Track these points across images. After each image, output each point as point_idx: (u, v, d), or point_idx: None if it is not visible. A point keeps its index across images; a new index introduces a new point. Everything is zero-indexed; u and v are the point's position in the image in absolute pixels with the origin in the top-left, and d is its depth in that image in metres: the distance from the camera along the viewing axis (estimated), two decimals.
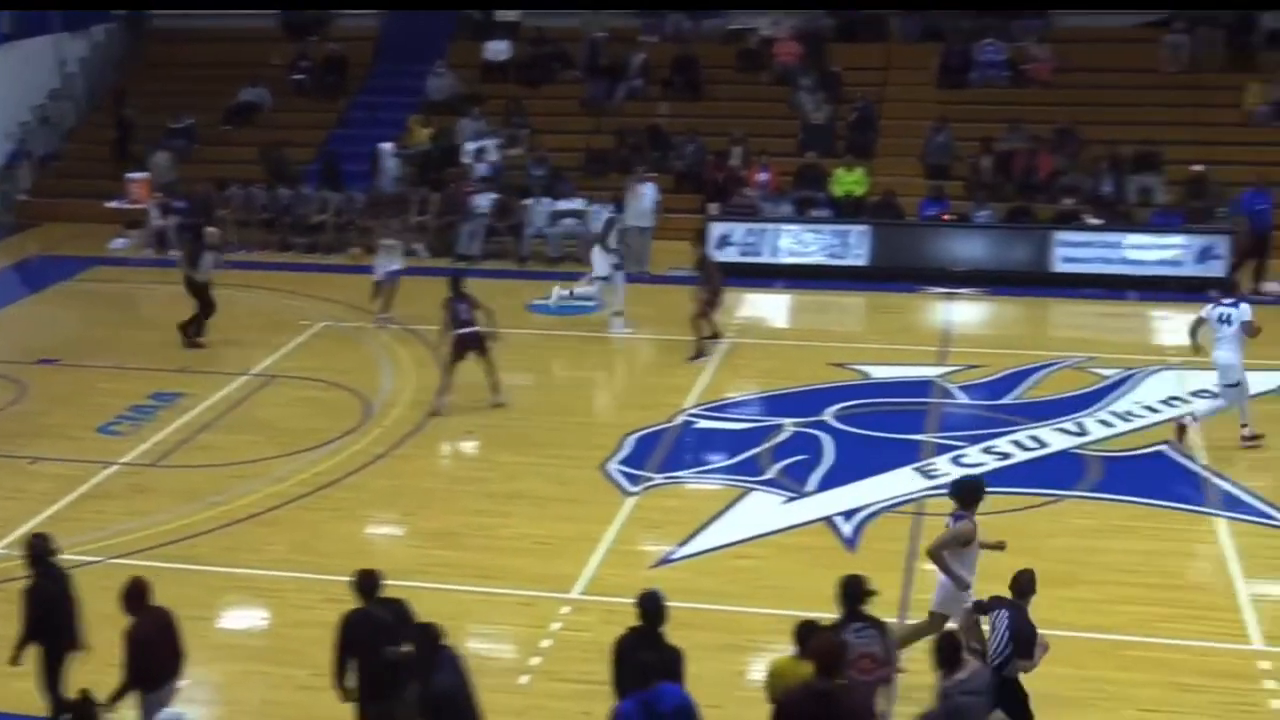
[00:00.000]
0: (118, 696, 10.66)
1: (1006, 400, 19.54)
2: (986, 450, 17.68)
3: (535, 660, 12.95)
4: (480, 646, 13.47)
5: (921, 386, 20.09)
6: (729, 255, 26.09)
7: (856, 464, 17.23)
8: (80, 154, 32.99)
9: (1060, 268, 25.59)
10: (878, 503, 16.17)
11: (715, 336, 21.60)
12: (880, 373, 20.68)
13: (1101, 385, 19.98)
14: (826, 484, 16.75)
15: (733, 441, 18.14)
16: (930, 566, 14.68)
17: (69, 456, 17.80)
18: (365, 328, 22.67)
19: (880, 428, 18.52)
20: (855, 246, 26.21)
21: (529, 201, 27.93)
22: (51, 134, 33.29)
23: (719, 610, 13.71)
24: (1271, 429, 18.32)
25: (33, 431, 18.72)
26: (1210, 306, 18.00)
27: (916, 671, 11.48)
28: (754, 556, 14.98)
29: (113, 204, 29.61)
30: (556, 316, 23.92)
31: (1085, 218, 26.50)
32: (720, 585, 14.31)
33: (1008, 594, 11.01)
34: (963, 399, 19.70)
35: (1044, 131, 28.75)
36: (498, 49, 32.70)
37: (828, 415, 18.87)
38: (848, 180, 28.38)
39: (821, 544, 15.19)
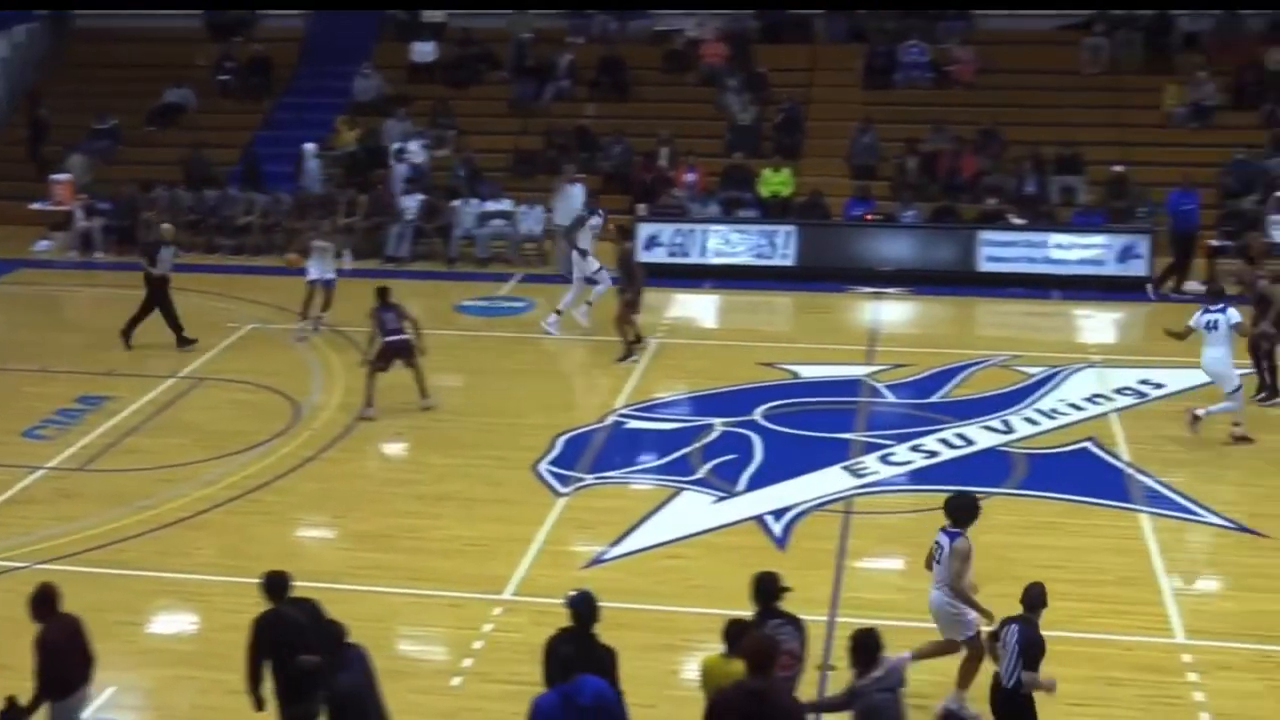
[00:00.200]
0: (34, 706, 10.57)
1: (934, 399, 19.72)
2: (914, 448, 17.83)
3: (467, 662, 12.95)
4: (411, 649, 13.50)
5: (850, 385, 20.24)
6: (657, 256, 26.23)
7: (786, 463, 17.33)
8: None
9: (985, 267, 25.86)
10: (807, 501, 16.27)
11: (638, 340, 21.49)
12: (809, 372, 20.82)
13: (1027, 383, 20.20)
14: (756, 483, 16.83)
15: (663, 441, 18.20)
16: (861, 564, 14.92)
17: None
18: (290, 328, 22.52)
19: (809, 427, 18.64)
20: (782, 247, 26.34)
21: (457, 203, 27.89)
22: None
23: (651, 610, 13.76)
24: (1185, 426, 18.60)
25: None
26: (1199, 314, 18.23)
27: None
28: (685, 556, 15.04)
29: (36, 206, 29.30)
30: (484, 318, 23.91)
31: (1009, 218, 26.79)
32: (652, 585, 14.36)
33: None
34: (890, 398, 19.85)
35: (968, 132, 29.06)
36: (424, 50, 32.63)
37: (757, 415, 18.98)
38: (774, 181, 28.55)
39: (752, 543, 15.27)
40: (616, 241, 21.91)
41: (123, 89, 32.62)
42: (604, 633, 10.21)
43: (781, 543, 15.34)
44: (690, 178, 28.45)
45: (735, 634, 9.94)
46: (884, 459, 17.52)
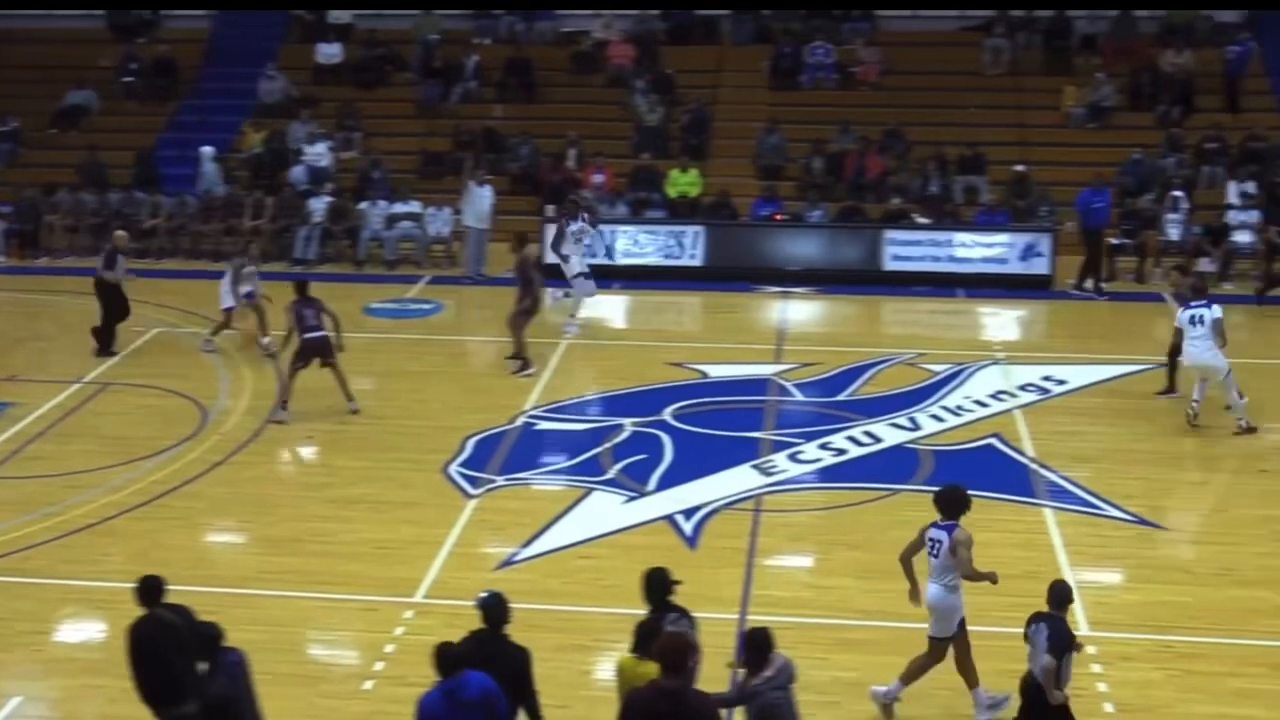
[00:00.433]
0: None
1: (841, 397, 19.91)
2: (823, 446, 17.99)
3: (379, 665, 12.92)
4: (323, 653, 13.47)
5: (758, 385, 20.39)
6: None
7: (696, 462, 17.42)
8: None
9: (890, 266, 26.14)
10: (717, 500, 16.37)
11: (526, 364, 20.87)
12: (718, 371, 20.95)
13: (932, 381, 20.44)
14: (667, 483, 16.90)
15: (573, 442, 18.25)
16: (771, 562, 15.04)
17: None
18: (201, 334, 22.32)
19: (719, 426, 18.76)
20: (690, 247, 26.48)
21: (364, 205, 27.79)
22: None
23: (563, 611, 13.81)
24: (1090, 422, 18.97)
25: None
26: (1181, 311, 18.56)
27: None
28: (596, 556, 15.10)
29: None
30: (393, 320, 23.86)
31: (914, 217, 27.11)
32: (564, 586, 14.41)
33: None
34: (799, 396, 20.02)
35: (873, 133, 29.34)
36: (330, 52, 32.50)
37: (667, 414, 19.07)
38: (682, 181, 28.69)
39: (663, 543, 15.34)
40: (514, 248, 21.48)
41: (24, 91, 32.23)
42: (516, 634, 10.24)
43: (692, 542, 15.43)
44: (598, 179, 28.53)
45: (645, 634, 10.02)
46: (793, 457, 17.67)
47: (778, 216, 27.49)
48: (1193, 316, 18.38)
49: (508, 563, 14.90)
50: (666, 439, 18.24)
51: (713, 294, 25.38)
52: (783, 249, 26.61)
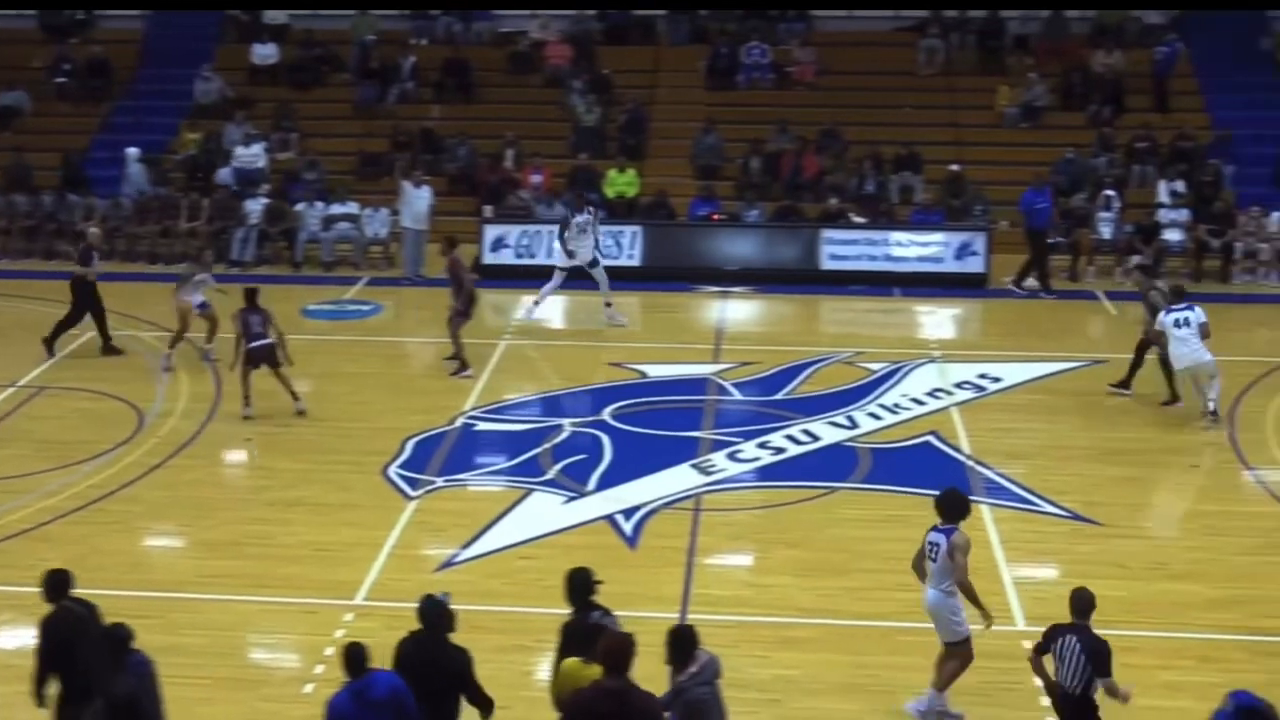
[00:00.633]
0: None
1: (780, 396, 20.02)
2: (762, 445, 18.09)
3: (319, 669, 12.88)
4: (263, 657, 13.45)
5: (697, 384, 20.47)
6: (504, 257, 26.36)
7: (635, 462, 17.48)
8: None
9: (828, 265, 26.29)
10: (657, 500, 16.43)
11: (464, 366, 20.84)
12: (657, 371, 21.02)
13: (870, 379, 20.59)
14: (606, 483, 16.95)
15: (513, 443, 18.26)
16: (711, 561, 15.12)
17: None
18: (137, 335, 22.19)
19: (658, 426, 18.83)
20: (628, 247, 26.55)
21: (301, 206, 27.68)
22: None
23: (504, 611, 13.83)
24: (1026, 419, 19.17)
25: None
26: (1163, 314, 18.74)
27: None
28: (537, 557, 15.11)
29: None
30: (331, 321, 23.80)
31: (850, 216, 27.27)
32: (504, 586, 14.43)
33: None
34: (737, 395, 20.12)
35: (809, 132, 29.49)
36: (265, 52, 32.33)
37: (606, 414, 19.13)
38: (620, 181, 28.74)
39: (603, 542, 15.39)
40: (444, 250, 21.29)
41: None
42: (458, 635, 10.26)
43: (632, 541, 15.49)
44: (536, 179, 28.54)
45: (570, 634, 10.07)
46: (732, 456, 17.77)
47: (715, 216, 27.59)
48: (1177, 320, 18.58)
49: (448, 564, 14.91)
50: (606, 439, 18.29)
51: (651, 294, 25.44)
52: (720, 249, 26.72)
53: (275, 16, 33.21)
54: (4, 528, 15.74)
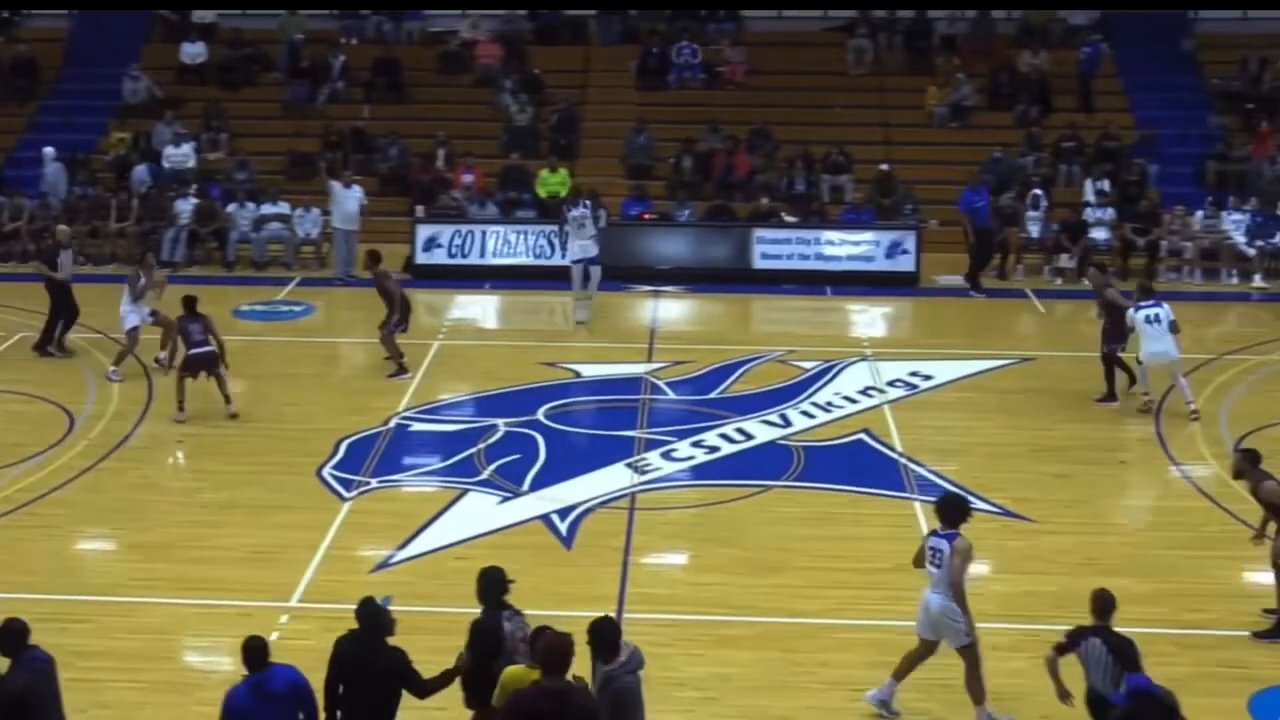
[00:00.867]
0: None
1: (713, 395, 20.10)
2: (696, 444, 18.15)
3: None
4: (198, 659, 13.37)
5: (631, 383, 20.51)
6: (437, 257, 26.28)
7: (570, 462, 17.51)
8: None
9: (760, 264, 26.40)
10: (592, 499, 16.45)
11: (399, 359, 20.74)
12: (590, 371, 21.05)
13: (802, 378, 20.70)
14: (541, 482, 16.95)
15: (447, 443, 18.23)
16: (647, 560, 15.17)
17: None
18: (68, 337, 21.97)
19: (592, 425, 18.88)
20: (561, 247, 26.49)
21: (232, 206, 27.51)
22: None
23: (440, 612, 13.73)
24: (957, 417, 19.35)
25: None
26: (1132, 310, 18.92)
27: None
28: (472, 557, 14.95)
29: None
30: (263, 322, 23.67)
31: (781, 216, 27.40)
32: (440, 587, 14.37)
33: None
34: (671, 394, 20.18)
35: (740, 132, 29.61)
36: (194, 51, 32.08)
37: (540, 414, 19.12)
38: (552, 181, 28.74)
39: (539, 542, 15.41)
40: (367, 266, 20.97)
41: None
42: (394, 636, 10.24)
43: (568, 541, 15.51)
44: (468, 179, 28.49)
45: (479, 632, 10.13)
46: (666, 455, 17.82)
47: (647, 216, 27.65)
48: (1148, 316, 18.81)
49: (383, 565, 14.87)
50: (540, 439, 18.29)
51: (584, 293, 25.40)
52: (653, 248, 26.78)
53: (203, 15, 32.99)
54: None
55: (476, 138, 30.11)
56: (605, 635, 9.84)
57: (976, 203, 25.86)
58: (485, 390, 20.33)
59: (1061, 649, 10.79)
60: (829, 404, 19.66)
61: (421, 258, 26.40)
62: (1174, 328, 18.83)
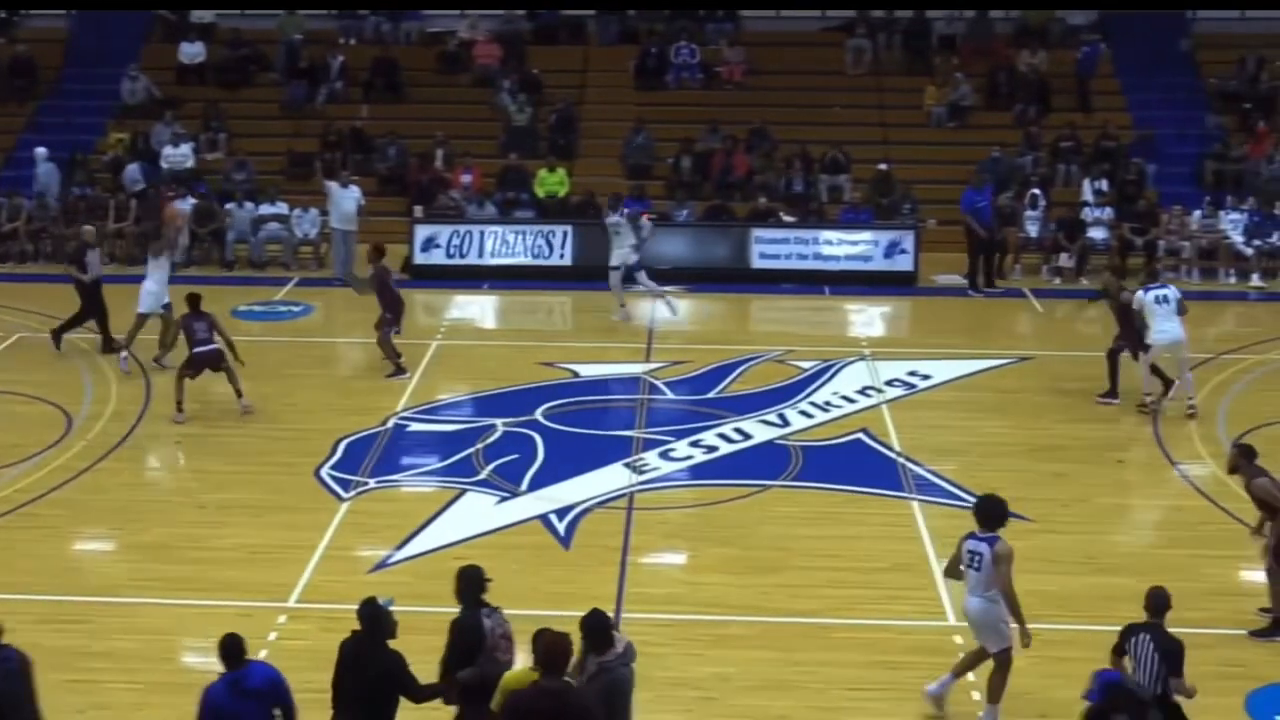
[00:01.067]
0: None
1: (711, 394, 20.10)
2: (694, 444, 18.16)
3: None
4: (196, 660, 13.30)
5: (629, 383, 20.53)
6: (435, 258, 26.30)
7: (568, 462, 17.50)
8: None
9: (758, 264, 26.41)
10: (590, 499, 16.45)
11: (396, 359, 20.75)
12: (589, 371, 21.05)
13: (801, 377, 20.71)
14: (539, 483, 16.95)
15: (445, 443, 18.24)
16: (645, 559, 15.18)
17: None
18: (67, 338, 21.95)
19: (590, 425, 18.87)
20: (559, 247, 26.56)
21: (231, 206, 27.52)
22: None
23: (438, 613, 13.63)
24: (955, 416, 19.36)
25: None
26: (1141, 293, 18.95)
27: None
28: (470, 558, 14.77)
29: None
30: (262, 322, 23.67)
31: (780, 215, 27.41)
32: (438, 588, 14.18)
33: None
34: (669, 394, 20.19)
35: (739, 132, 29.62)
36: (193, 51, 32.09)
37: (538, 414, 19.13)
38: (550, 181, 28.75)
39: (537, 542, 15.42)
40: (371, 259, 21.05)
41: None
42: (396, 638, 10.24)
43: (566, 541, 15.52)
44: (466, 179, 28.49)
45: (460, 630, 10.19)
46: (664, 455, 17.83)
47: (646, 216, 27.61)
48: (1158, 297, 18.82)
49: (381, 565, 14.87)
50: (538, 439, 18.30)
51: (582, 293, 25.45)
52: (651, 248, 26.69)
53: (202, 16, 33.00)
54: None
55: (475, 138, 30.12)
56: (598, 628, 9.90)
57: (978, 202, 25.87)
58: (483, 390, 20.33)
59: (1118, 650, 10.78)
60: (827, 404, 19.67)
61: (420, 258, 26.42)
62: (1181, 308, 18.83)
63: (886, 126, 30.55)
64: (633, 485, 16.92)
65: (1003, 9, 32.61)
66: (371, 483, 17.01)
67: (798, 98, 30.85)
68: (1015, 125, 30.04)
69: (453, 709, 10.38)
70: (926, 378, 20.76)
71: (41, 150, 28.71)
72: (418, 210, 27.77)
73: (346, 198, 26.02)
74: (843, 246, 26.50)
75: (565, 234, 26.62)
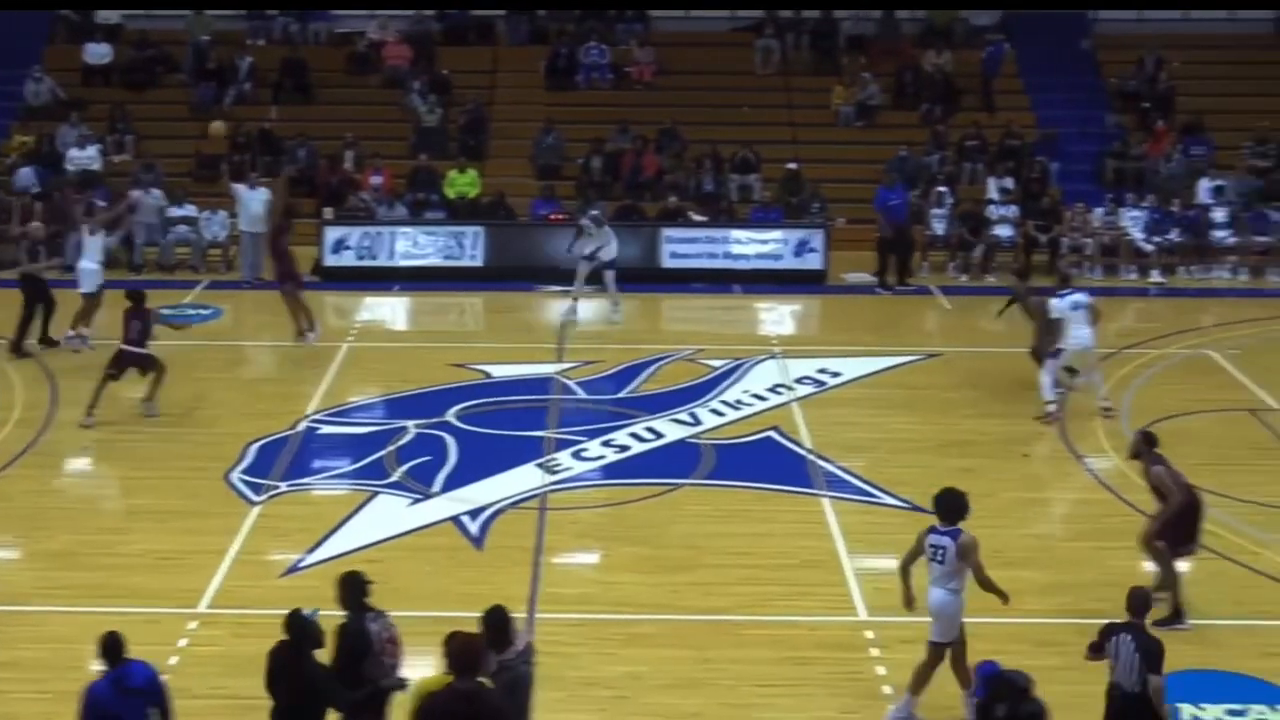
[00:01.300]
0: None
1: (623, 394, 20.18)
2: (606, 443, 18.22)
3: (164, 678, 12.70)
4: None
5: (541, 384, 20.56)
6: (345, 259, 26.19)
7: (481, 463, 17.49)
8: None
9: (669, 264, 26.53)
10: (503, 500, 16.46)
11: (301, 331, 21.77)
12: (501, 371, 21.06)
13: (712, 376, 20.82)
14: (452, 484, 16.94)
15: (357, 446, 18.18)
16: (558, 560, 15.21)
17: None
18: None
19: (502, 426, 18.87)
20: (470, 247, 26.54)
21: (137, 193, 27.07)
22: None
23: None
24: (863, 412, 19.56)
25: None
26: (1055, 300, 19.11)
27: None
28: (383, 560, 15.01)
29: None
30: (171, 325, 23.42)
31: (690, 215, 27.53)
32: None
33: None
34: (581, 394, 20.24)
35: (649, 132, 29.71)
36: (99, 52, 31.71)
37: (450, 416, 19.12)
38: (461, 182, 28.71)
39: (449, 544, 15.42)
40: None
41: None
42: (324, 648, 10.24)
43: (479, 542, 15.53)
44: (376, 180, 28.40)
45: (344, 634, 10.24)
46: (577, 455, 17.88)
47: (556, 216, 27.68)
48: (1075, 303, 19.04)
49: (293, 569, 14.80)
50: (451, 440, 18.29)
51: (494, 294, 25.48)
52: (562, 248, 26.77)
53: (108, 16, 32.60)
54: None
55: (385, 139, 30.01)
56: (501, 625, 9.95)
57: (891, 200, 26.11)
58: (395, 392, 20.28)
59: (1095, 648, 10.89)
60: (738, 402, 19.80)
61: (330, 260, 26.32)
62: (1095, 314, 19.10)
63: (795, 126, 30.76)
64: (545, 486, 16.95)
65: (908, 9, 32.91)
66: (283, 486, 16.93)
67: (707, 98, 30.99)
68: (922, 124, 30.36)
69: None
70: (836, 375, 20.94)
71: None
72: (327, 212, 27.64)
73: (254, 199, 25.87)
74: (753, 245, 26.67)
75: (476, 235, 26.60)
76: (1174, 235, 27.29)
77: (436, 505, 16.41)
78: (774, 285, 26.01)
